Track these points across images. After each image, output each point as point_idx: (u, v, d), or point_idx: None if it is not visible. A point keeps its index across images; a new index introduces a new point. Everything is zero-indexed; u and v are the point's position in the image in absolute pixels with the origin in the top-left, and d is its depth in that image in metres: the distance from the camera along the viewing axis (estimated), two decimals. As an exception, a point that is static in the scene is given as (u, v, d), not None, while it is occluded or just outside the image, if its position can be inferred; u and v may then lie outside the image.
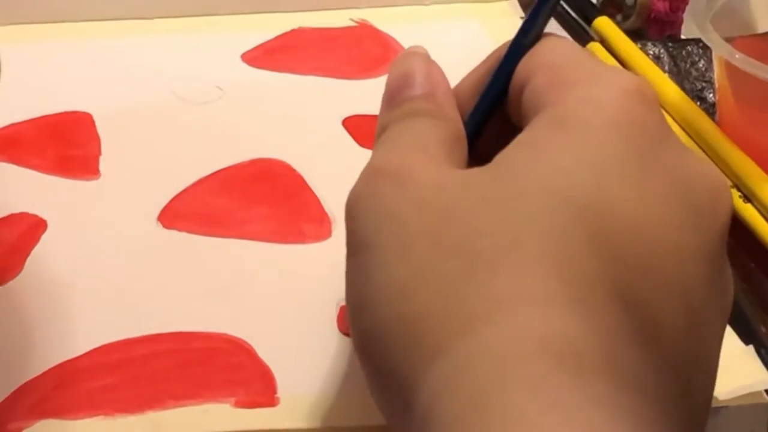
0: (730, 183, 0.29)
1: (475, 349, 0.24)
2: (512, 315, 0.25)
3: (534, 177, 0.26)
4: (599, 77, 0.29)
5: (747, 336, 0.36)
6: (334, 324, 0.37)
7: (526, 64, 0.31)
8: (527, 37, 0.31)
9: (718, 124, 0.47)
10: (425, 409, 0.24)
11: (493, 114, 0.32)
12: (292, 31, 0.55)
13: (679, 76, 0.52)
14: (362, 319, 0.27)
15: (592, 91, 0.28)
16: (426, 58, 0.33)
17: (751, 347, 0.36)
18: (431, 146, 0.29)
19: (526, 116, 0.29)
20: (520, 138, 0.28)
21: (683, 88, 0.50)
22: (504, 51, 0.32)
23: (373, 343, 0.27)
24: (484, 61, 0.33)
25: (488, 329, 0.25)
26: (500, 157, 0.28)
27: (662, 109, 0.28)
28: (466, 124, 0.31)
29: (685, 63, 0.53)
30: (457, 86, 0.33)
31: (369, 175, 0.29)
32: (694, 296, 0.26)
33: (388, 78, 0.32)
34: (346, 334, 0.37)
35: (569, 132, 0.27)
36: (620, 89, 0.28)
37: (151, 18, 0.56)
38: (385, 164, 0.29)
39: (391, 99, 0.32)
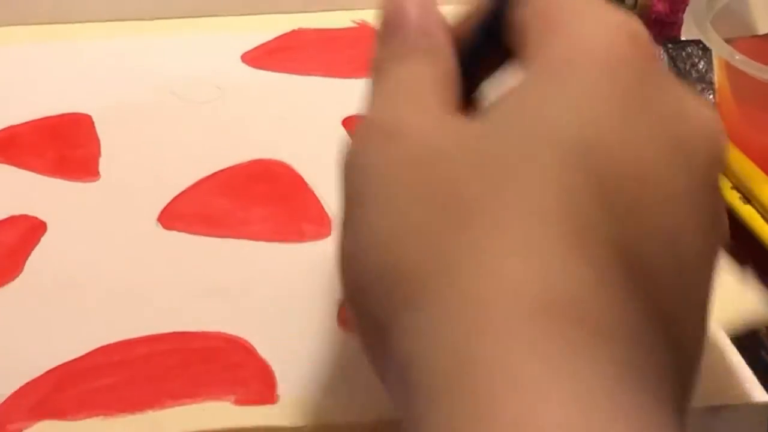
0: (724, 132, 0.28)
1: (455, 297, 0.24)
2: (492, 263, 0.24)
3: (517, 125, 0.26)
4: (586, 16, 0.28)
5: (746, 336, 0.36)
6: (334, 322, 0.37)
7: (524, 13, 0.29)
8: None
9: (718, 124, 0.47)
10: (404, 354, 0.25)
11: (485, 52, 0.31)
12: (292, 32, 0.55)
13: (679, 77, 0.52)
14: (349, 273, 0.27)
15: (578, 31, 0.27)
16: None
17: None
18: (424, 93, 0.29)
19: (525, 66, 0.28)
20: (511, 89, 0.27)
21: (683, 89, 0.50)
22: None
23: (358, 294, 0.27)
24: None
25: (468, 277, 0.24)
26: (489, 108, 0.27)
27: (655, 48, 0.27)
28: (461, 61, 0.30)
29: (685, 64, 0.53)
30: (457, 24, 0.32)
31: (362, 130, 0.29)
32: (684, 242, 0.26)
33: (382, 11, 0.31)
34: (347, 332, 0.37)
35: (554, 76, 0.26)
36: (606, 26, 0.27)
37: (151, 18, 0.56)
38: (378, 119, 0.28)
39: (384, 34, 0.31)
